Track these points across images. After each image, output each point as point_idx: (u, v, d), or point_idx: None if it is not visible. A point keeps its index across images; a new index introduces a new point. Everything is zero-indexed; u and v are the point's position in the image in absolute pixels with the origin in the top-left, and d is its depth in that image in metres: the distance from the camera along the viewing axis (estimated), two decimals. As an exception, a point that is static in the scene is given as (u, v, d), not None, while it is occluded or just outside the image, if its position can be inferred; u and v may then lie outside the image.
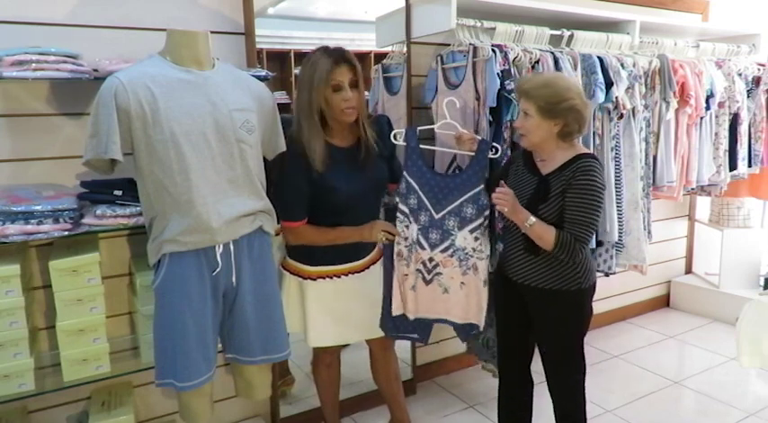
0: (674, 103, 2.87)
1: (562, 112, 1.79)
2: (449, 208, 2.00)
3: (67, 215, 1.73)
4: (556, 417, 2.02)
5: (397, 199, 2.03)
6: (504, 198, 1.79)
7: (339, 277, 2.03)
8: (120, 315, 2.12)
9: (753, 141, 3.38)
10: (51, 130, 1.94)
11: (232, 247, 1.73)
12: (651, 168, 2.89)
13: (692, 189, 3.18)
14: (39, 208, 1.69)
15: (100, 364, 1.89)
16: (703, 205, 3.98)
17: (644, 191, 2.84)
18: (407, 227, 2.03)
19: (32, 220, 1.68)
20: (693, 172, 3.06)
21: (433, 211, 2.01)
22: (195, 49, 1.67)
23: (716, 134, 3.17)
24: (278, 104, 1.90)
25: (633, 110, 2.70)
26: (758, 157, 3.42)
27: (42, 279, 1.95)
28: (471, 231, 1.99)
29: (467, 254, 2.02)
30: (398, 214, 2.03)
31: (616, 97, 2.55)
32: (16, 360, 1.77)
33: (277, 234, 1.98)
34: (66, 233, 1.74)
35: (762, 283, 3.65)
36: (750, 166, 3.38)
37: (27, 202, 1.70)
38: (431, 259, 2.05)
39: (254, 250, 1.80)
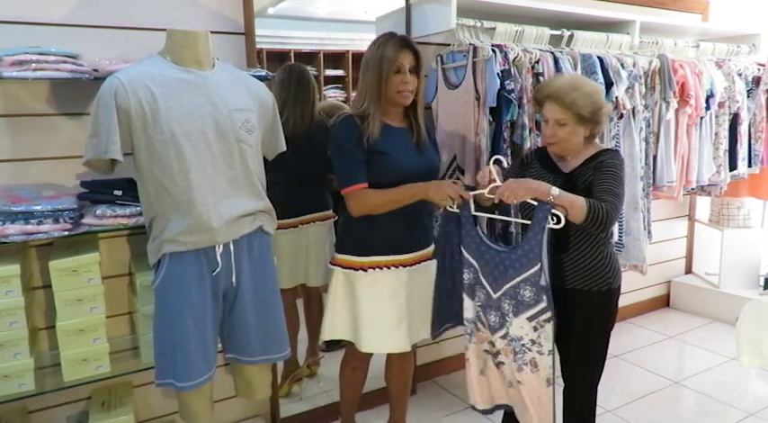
0: (674, 103, 2.87)
1: (599, 118, 1.81)
2: (505, 288, 1.78)
3: (67, 215, 1.73)
4: (566, 418, 2.00)
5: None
6: (508, 187, 1.67)
7: (389, 268, 1.96)
8: (120, 315, 2.12)
9: (753, 141, 3.39)
10: (51, 130, 1.94)
11: (232, 248, 1.73)
12: (651, 168, 2.90)
13: (692, 189, 3.18)
14: (39, 208, 1.69)
15: (100, 364, 1.89)
16: (703, 205, 3.98)
17: (644, 191, 2.84)
18: (462, 302, 1.90)
19: (32, 220, 1.68)
20: (693, 172, 3.06)
21: (490, 290, 1.81)
22: (195, 49, 1.68)
23: (716, 134, 3.17)
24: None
25: (633, 110, 2.70)
26: (758, 157, 3.42)
27: (42, 279, 1.95)
28: (529, 319, 1.74)
29: (523, 346, 1.77)
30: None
31: (616, 97, 2.55)
32: (16, 360, 1.77)
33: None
34: (67, 233, 1.74)
35: (762, 283, 3.65)
36: (750, 166, 3.38)
37: (27, 202, 1.70)
38: (492, 343, 1.86)
39: (254, 250, 1.80)
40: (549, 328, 1.73)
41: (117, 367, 1.94)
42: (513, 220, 1.92)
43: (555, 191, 1.66)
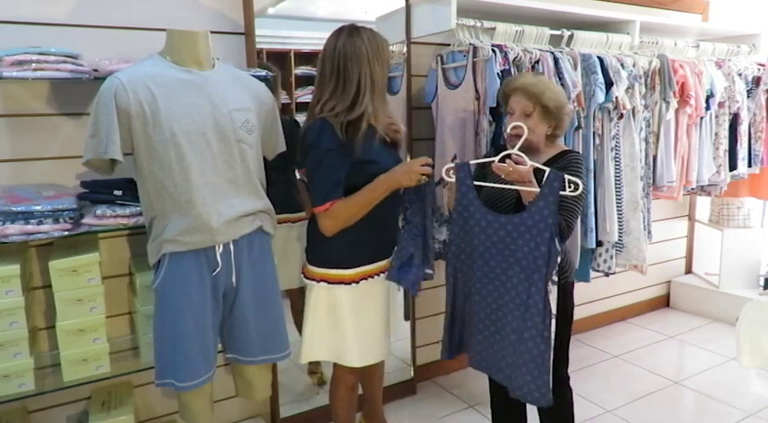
0: (674, 103, 2.87)
1: (561, 115, 1.88)
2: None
3: (67, 215, 1.73)
4: (540, 415, 2.01)
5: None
6: (515, 167, 1.69)
7: (379, 276, 1.88)
8: (120, 315, 2.12)
9: (753, 141, 3.38)
10: (51, 130, 1.94)
11: (232, 247, 1.73)
12: (651, 168, 2.90)
13: (692, 189, 3.18)
14: (39, 208, 1.69)
15: (100, 364, 1.89)
16: (703, 205, 3.98)
17: (644, 191, 2.84)
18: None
19: (32, 220, 1.68)
20: (693, 172, 3.06)
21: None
22: (195, 49, 1.68)
23: (716, 134, 3.17)
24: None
25: (633, 110, 2.70)
26: (758, 157, 3.42)
27: (42, 279, 1.95)
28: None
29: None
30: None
31: (616, 97, 2.55)
32: (16, 360, 1.77)
33: None
34: (66, 233, 1.74)
35: (762, 283, 3.65)
36: (750, 166, 3.38)
37: (27, 202, 1.70)
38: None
39: (254, 250, 1.80)
40: None
41: (117, 367, 1.94)
42: (518, 188, 1.76)
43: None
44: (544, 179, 1.66)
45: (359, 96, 1.73)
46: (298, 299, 2.53)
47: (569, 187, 1.64)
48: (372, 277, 1.87)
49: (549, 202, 1.64)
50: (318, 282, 1.86)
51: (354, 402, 2.11)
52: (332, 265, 1.85)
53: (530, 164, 1.72)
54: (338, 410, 2.10)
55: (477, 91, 2.33)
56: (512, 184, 1.77)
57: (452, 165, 1.80)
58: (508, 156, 1.76)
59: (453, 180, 1.79)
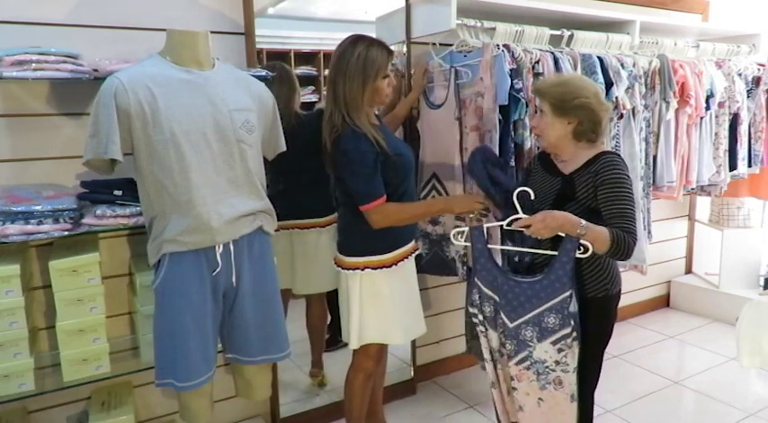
0: (674, 103, 2.87)
1: (573, 109, 1.77)
2: (526, 317, 1.77)
3: (67, 215, 1.73)
4: None
5: (471, 309, 1.89)
6: (538, 225, 1.68)
7: (412, 255, 2.06)
8: (120, 315, 2.12)
9: (753, 141, 3.38)
10: (51, 130, 1.94)
11: (232, 247, 1.73)
12: (651, 168, 2.89)
13: (692, 189, 3.18)
14: (39, 208, 1.69)
15: (100, 364, 1.89)
16: (703, 205, 3.98)
17: (644, 191, 2.84)
18: (485, 335, 1.89)
19: (32, 220, 1.68)
20: (693, 172, 3.06)
21: (506, 320, 1.80)
22: (195, 49, 1.68)
23: (716, 134, 3.17)
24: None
25: (633, 110, 2.70)
26: (758, 157, 3.41)
27: (42, 279, 1.95)
28: (554, 343, 1.76)
29: (546, 367, 1.79)
30: (475, 321, 1.90)
31: (616, 97, 2.55)
32: (16, 360, 1.77)
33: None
34: (67, 233, 1.74)
35: (762, 283, 3.65)
36: (750, 166, 3.38)
37: (27, 202, 1.70)
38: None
39: (254, 250, 1.80)
40: (575, 348, 1.76)
41: (117, 367, 1.95)
42: (541, 252, 1.82)
43: (583, 226, 1.67)
44: (560, 247, 1.72)
45: (349, 110, 1.83)
46: (314, 303, 2.58)
47: (580, 250, 1.69)
48: (407, 258, 2.03)
49: (567, 269, 1.71)
50: (363, 270, 1.95)
51: (368, 394, 2.15)
52: (373, 253, 1.96)
53: (508, 220, 1.77)
54: (353, 399, 2.12)
55: (458, 110, 2.35)
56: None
57: (463, 229, 1.86)
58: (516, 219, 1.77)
59: (466, 244, 1.86)
